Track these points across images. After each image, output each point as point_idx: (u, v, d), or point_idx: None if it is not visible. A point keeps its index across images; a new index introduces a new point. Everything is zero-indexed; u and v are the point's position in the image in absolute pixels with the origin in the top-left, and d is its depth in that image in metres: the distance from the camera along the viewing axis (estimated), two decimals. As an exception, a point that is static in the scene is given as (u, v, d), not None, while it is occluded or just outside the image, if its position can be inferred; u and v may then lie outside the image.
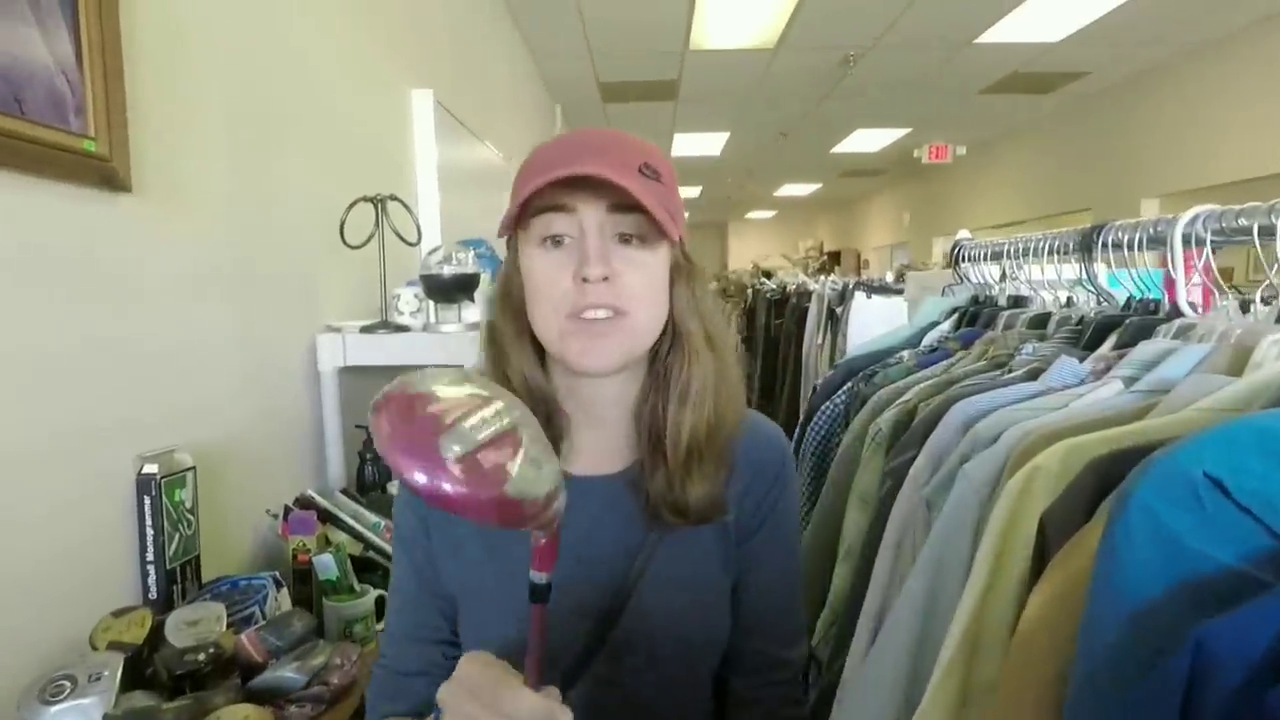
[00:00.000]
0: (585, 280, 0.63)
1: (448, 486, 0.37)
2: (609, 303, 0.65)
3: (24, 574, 0.90)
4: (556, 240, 0.66)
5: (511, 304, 0.70)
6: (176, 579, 1.12)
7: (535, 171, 0.64)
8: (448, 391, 0.41)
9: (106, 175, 1.06)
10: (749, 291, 6.94)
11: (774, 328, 5.30)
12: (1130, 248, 0.99)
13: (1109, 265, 1.06)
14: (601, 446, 0.75)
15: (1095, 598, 0.47)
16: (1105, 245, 1.02)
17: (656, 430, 0.71)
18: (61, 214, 0.99)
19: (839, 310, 3.70)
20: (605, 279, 0.64)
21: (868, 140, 7.98)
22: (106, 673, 0.84)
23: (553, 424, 0.72)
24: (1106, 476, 0.57)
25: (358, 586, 1.34)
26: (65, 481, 0.97)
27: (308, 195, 1.66)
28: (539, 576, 0.46)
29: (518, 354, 0.71)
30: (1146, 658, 0.45)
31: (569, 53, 4.86)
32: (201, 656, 0.92)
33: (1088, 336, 0.95)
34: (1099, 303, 1.10)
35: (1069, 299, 1.19)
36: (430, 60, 2.66)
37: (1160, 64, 5.36)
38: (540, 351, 0.71)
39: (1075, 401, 0.77)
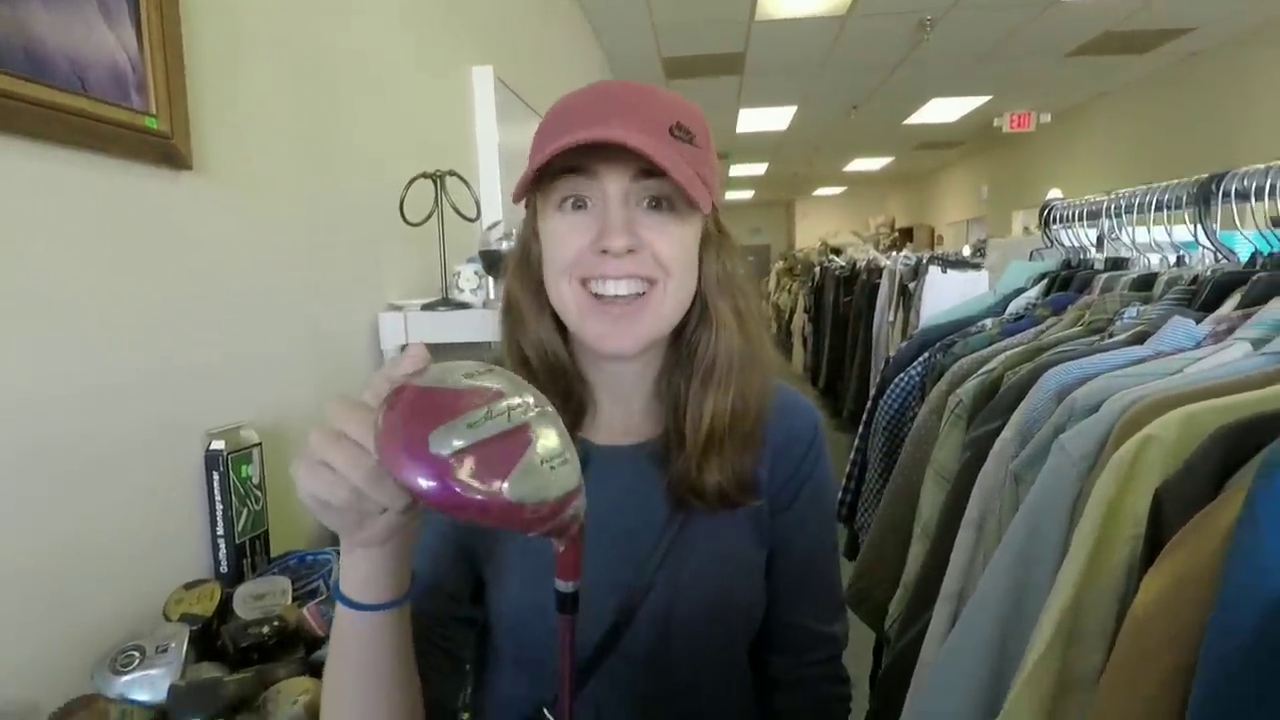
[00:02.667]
0: (605, 252, 0.59)
1: (428, 483, 0.35)
2: (634, 272, 0.60)
3: (104, 547, 0.92)
4: (578, 203, 0.61)
5: (530, 271, 0.66)
6: (246, 553, 1.14)
7: (556, 128, 0.59)
8: (460, 384, 0.38)
9: (167, 153, 1.07)
10: (816, 270, 6.79)
11: (843, 305, 5.17)
12: (1260, 196, 0.87)
13: (1236, 221, 0.93)
14: (626, 418, 0.70)
15: (1231, 582, 0.40)
16: (1227, 195, 0.90)
17: (678, 410, 0.66)
18: (125, 191, 1.01)
19: (912, 286, 3.56)
20: (631, 251, 0.59)
21: (944, 110, 7.64)
22: (174, 644, 0.85)
23: (574, 395, 0.68)
24: (1237, 448, 0.50)
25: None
26: (139, 457, 0.99)
27: (368, 174, 1.66)
28: (564, 585, 0.44)
29: (536, 324, 0.66)
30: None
31: (631, 27, 4.79)
32: (266, 629, 0.93)
33: (1204, 296, 0.84)
34: (1217, 260, 0.98)
35: (1180, 258, 1.07)
36: (490, 37, 2.65)
37: (1274, 17, 4.91)
38: (560, 321, 0.67)
39: (1192, 366, 0.68)
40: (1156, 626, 0.46)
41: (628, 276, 0.60)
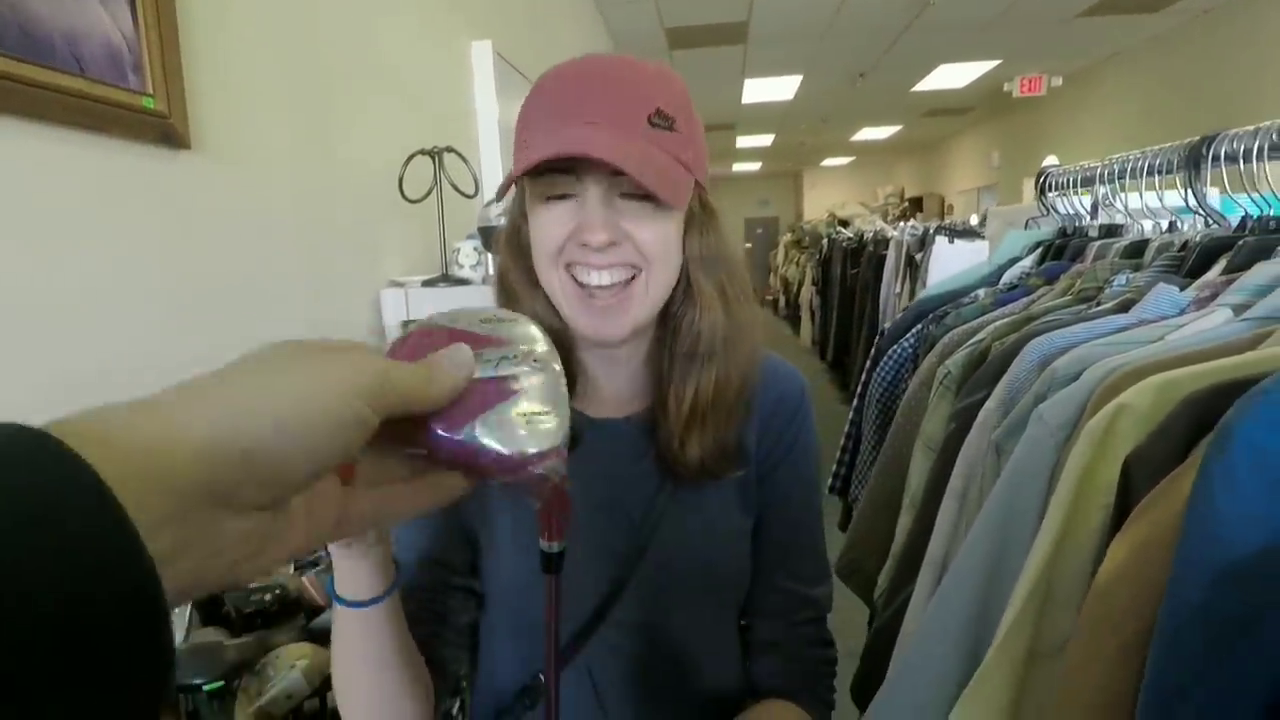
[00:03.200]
0: (585, 245, 0.61)
1: None
2: (616, 262, 0.62)
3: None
4: (562, 195, 0.62)
5: (521, 249, 0.68)
6: (251, 524, 1.17)
7: (536, 121, 0.61)
8: (469, 327, 0.38)
9: (165, 132, 1.08)
10: (824, 241, 6.75)
11: (850, 278, 5.14)
12: (1250, 159, 0.86)
13: (1224, 187, 0.92)
14: (618, 392, 0.72)
15: (1187, 546, 0.41)
16: (1217, 159, 0.89)
17: (662, 385, 0.68)
18: (124, 171, 1.02)
19: (919, 257, 3.54)
20: (613, 244, 0.61)
21: (952, 76, 7.51)
22: (176, 610, 0.88)
23: (568, 369, 0.69)
24: (1205, 414, 0.50)
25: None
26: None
27: (368, 151, 1.67)
28: (546, 545, 0.44)
29: (529, 299, 0.68)
30: (1247, 615, 0.39)
31: (633, -2, 4.73)
32: (268, 597, 0.96)
33: (1191, 262, 0.84)
34: (1207, 225, 0.97)
35: (1171, 224, 1.07)
36: (490, 11, 2.62)
37: (1291, -30, 4.79)
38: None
39: (1172, 334, 0.68)
40: (1120, 592, 0.47)
41: (610, 266, 0.62)
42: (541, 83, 0.64)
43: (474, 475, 0.37)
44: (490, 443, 0.35)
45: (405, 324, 0.44)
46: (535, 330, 0.40)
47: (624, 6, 4.91)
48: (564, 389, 0.38)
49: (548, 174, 0.61)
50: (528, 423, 0.36)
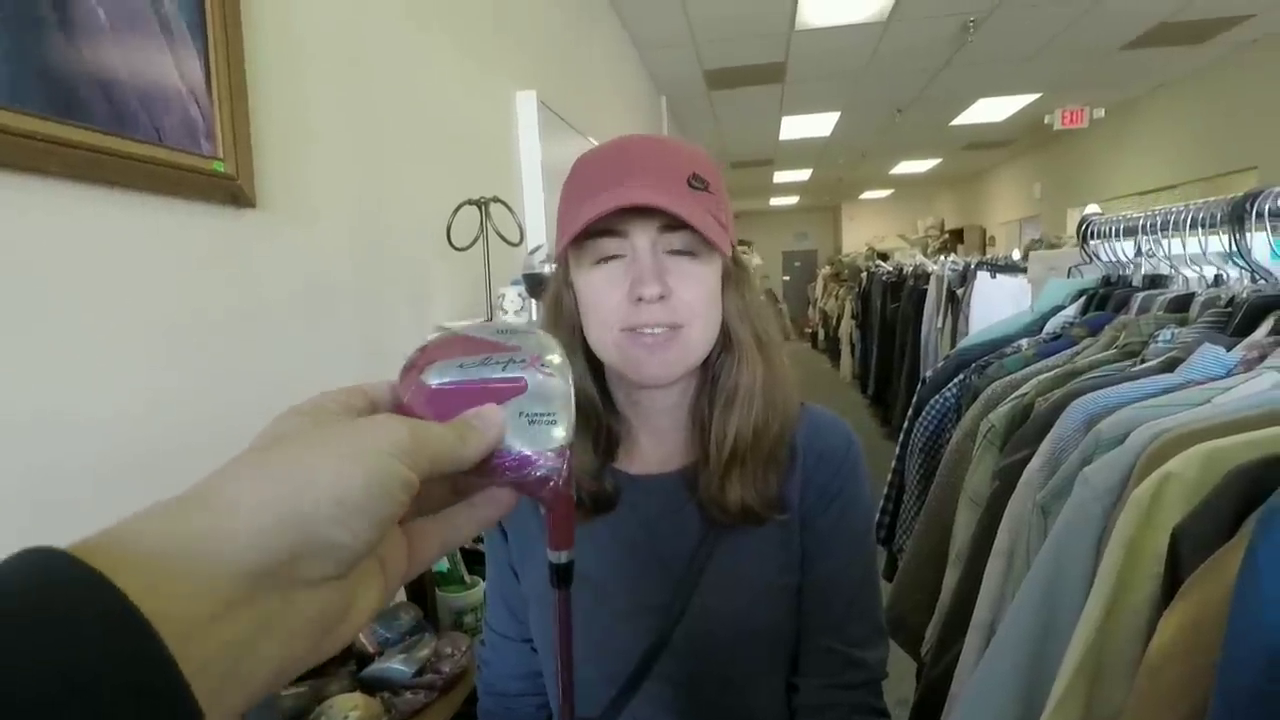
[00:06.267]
0: (640, 300, 0.63)
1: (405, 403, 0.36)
2: (665, 320, 0.65)
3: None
4: (609, 258, 0.66)
5: (564, 319, 0.71)
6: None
7: (582, 195, 0.65)
8: (485, 335, 0.39)
9: (233, 193, 1.15)
10: (863, 275, 6.71)
11: (890, 312, 5.10)
12: (1293, 217, 0.85)
13: (1269, 237, 0.91)
14: (660, 449, 0.75)
15: (1235, 628, 0.41)
16: (1261, 215, 0.89)
17: (704, 432, 0.71)
18: (196, 229, 1.08)
19: (960, 292, 3.51)
20: (663, 298, 0.64)
21: (992, 110, 7.48)
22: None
23: (609, 431, 0.73)
24: (1254, 486, 0.50)
25: (468, 578, 1.40)
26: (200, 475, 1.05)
27: (417, 201, 1.74)
28: (553, 556, 0.42)
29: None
30: (1300, 701, 0.39)
31: (673, 41, 4.83)
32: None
33: (1238, 320, 0.83)
34: (1254, 280, 0.96)
35: (1217, 276, 1.05)
36: (534, 61, 2.71)
37: (1342, -1, 4.70)
38: (594, 364, 0.72)
39: (1220, 396, 0.68)
40: (1170, 670, 0.47)
41: (659, 325, 0.65)
42: (578, 167, 0.68)
43: (483, 474, 0.36)
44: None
45: (431, 338, 0.45)
46: (550, 341, 0.40)
47: (665, 51, 5.02)
48: (571, 396, 0.38)
49: (595, 238, 0.65)
50: (530, 422, 0.37)
